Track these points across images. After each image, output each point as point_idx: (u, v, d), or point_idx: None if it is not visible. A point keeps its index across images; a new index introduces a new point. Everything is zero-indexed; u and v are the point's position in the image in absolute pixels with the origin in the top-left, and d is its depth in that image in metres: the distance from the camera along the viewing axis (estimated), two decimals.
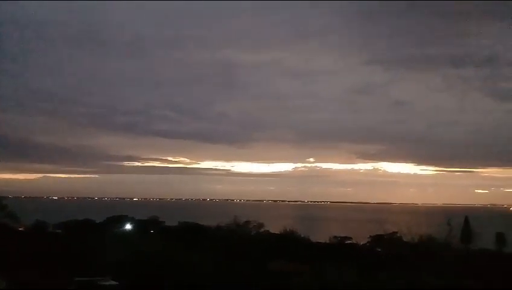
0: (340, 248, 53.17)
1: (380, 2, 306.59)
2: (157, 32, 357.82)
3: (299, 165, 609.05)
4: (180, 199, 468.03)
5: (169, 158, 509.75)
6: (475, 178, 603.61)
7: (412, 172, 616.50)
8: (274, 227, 63.66)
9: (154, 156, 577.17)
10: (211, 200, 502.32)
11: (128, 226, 73.65)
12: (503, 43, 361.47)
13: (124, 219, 78.38)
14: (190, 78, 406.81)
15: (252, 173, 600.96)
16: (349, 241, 62.86)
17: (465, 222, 66.48)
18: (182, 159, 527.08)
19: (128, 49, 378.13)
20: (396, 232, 57.01)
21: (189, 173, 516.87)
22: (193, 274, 31.60)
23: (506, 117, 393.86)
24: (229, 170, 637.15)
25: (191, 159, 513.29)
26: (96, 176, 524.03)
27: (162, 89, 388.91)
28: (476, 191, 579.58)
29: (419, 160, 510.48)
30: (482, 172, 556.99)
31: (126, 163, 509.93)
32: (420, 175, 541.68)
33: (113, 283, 30.67)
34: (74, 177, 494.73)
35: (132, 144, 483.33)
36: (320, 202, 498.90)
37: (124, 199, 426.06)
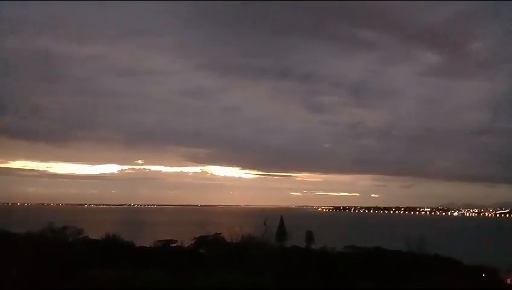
0: (163, 252, 52.84)
1: (222, 10, 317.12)
2: None
3: (126, 167, 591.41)
4: None
5: None
6: (291, 182, 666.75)
7: (237, 175, 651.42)
8: (95, 232, 60.09)
9: None
10: (22, 204, 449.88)
11: None
12: (320, 60, 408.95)
13: None
14: None
15: (73, 174, 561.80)
16: (174, 245, 62.97)
17: (280, 222, 72.86)
18: None
19: None
20: (220, 233, 59.35)
21: None
22: None
23: (317, 128, 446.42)
24: (46, 170, 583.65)
25: None
26: None
27: None
28: (291, 193, 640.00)
29: (243, 164, 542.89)
30: (296, 176, 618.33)
31: None
32: (244, 178, 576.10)
33: None
34: None
35: None
36: (148, 205, 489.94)
37: None
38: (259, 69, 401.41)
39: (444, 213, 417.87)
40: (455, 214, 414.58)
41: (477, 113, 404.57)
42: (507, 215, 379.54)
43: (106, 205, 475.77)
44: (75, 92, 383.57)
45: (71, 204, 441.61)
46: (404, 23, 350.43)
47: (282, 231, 69.82)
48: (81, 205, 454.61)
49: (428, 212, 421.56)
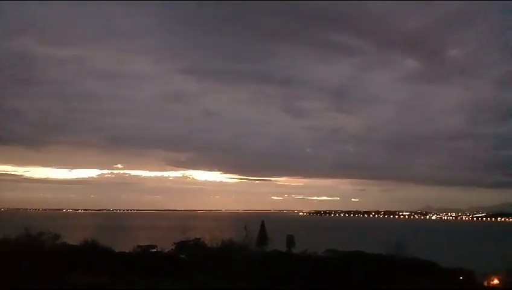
0: (143, 257, 52.24)
1: (203, 14, 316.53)
2: None
3: (105, 171, 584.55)
4: None
5: None
6: (271, 186, 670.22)
7: (218, 180, 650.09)
8: (73, 238, 59.13)
9: None
10: None
11: None
12: (301, 65, 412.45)
13: None
14: None
15: (50, 179, 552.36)
16: (153, 250, 62.31)
17: (261, 226, 72.74)
18: None
19: None
20: (200, 238, 58.98)
21: None
22: None
23: (298, 133, 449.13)
24: (22, 175, 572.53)
25: None
26: None
27: None
28: (272, 198, 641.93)
29: (225, 169, 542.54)
30: (277, 181, 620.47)
31: None
32: (225, 183, 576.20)
33: None
34: None
35: None
36: (128, 210, 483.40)
37: None
38: (240, 73, 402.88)
39: (422, 217, 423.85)
40: (433, 217, 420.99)
41: (455, 118, 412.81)
42: (483, 218, 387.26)
43: (85, 209, 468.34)
44: (53, 95, 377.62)
45: (49, 209, 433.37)
46: (384, 30, 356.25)
47: (263, 236, 69.73)
48: (59, 210, 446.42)
49: (407, 216, 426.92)
